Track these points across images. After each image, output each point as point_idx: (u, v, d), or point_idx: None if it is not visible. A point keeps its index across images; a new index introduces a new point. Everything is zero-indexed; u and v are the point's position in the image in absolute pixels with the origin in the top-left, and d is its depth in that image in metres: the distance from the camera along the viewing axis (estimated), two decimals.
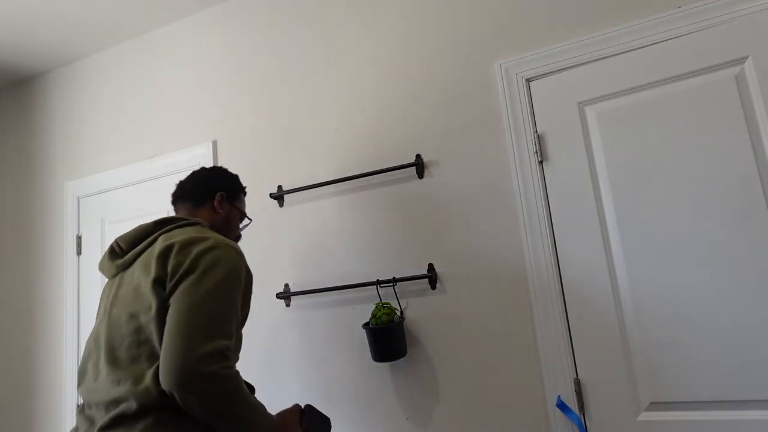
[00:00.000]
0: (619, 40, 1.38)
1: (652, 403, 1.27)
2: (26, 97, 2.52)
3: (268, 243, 1.81)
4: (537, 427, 1.38)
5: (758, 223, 1.21)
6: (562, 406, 1.33)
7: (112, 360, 0.96)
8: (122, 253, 1.09)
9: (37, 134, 2.45)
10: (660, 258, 1.30)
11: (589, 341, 1.35)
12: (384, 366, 1.58)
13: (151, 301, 0.94)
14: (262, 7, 1.96)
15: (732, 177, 1.25)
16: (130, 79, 2.23)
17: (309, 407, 1.10)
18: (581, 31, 1.45)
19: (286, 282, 1.76)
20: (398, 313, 1.53)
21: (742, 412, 1.20)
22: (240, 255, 1.03)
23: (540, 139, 1.46)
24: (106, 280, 2.14)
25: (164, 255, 0.97)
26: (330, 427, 1.12)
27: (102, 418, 0.92)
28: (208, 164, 1.96)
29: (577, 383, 1.34)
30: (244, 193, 1.35)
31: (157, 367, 0.90)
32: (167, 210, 2.01)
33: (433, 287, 1.54)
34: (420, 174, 1.60)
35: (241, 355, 1.76)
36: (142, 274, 0.99)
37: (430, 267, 1.54)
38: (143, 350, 0.94)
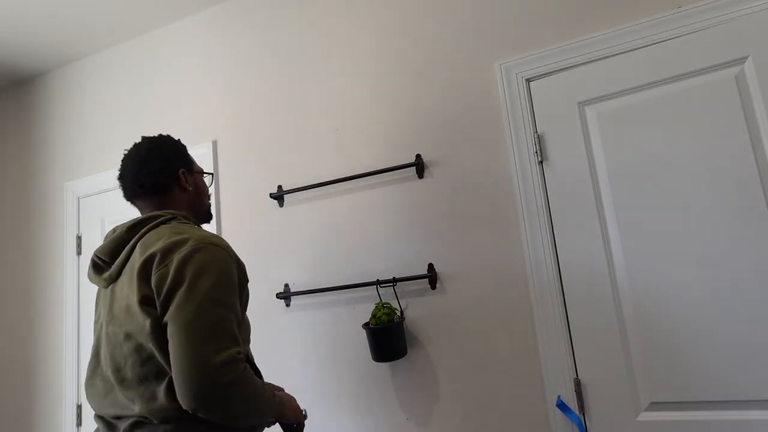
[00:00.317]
0: (619, 40, 1.38)
1: (652, 403, 1.27)
2: (26, 97, 2.52)
3: (268, 243, 1.81)
4: (537, 427, 1.38)
5: (758, 223, 1.21)
6: (562, 406, 1.33)
7: (120, 380, 0.94)
8: (106, 266, 1.04)
9: (37, 134, 2.45)
10: (660, 258, 1.30)
11: (589, 341, 1.35)
12: (384, 366, 1.58)
13: (143, 321, 0.91)
14: (262, 8, 1.96)
15: (732, 177, 1.24)
16: (130, 79, 2.23)
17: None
18: (581, 31, 1.45)
19: (286, 282, 1.76)
20: (398, 313, 1.53)
21: (742, 412, 1.20)
22: (224, 250, 0.97)
23: (540, 139, 1.46)
24: None
25: (145, 269, 0.92)
26: None
27: (123, 425, 0.94)
28: (209, 164, 1.95)
29: (577, 383, 1.34)
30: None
31: (168, 383, 0.90)
32: None
33: (433, 287, 1.54)
34: (420, 174, 1.60)
35: None
36: (129, 291, 0.95)
37: (430, 267, 1.54)
38: (149, 369, 0.92)
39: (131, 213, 2.11)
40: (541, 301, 1.40)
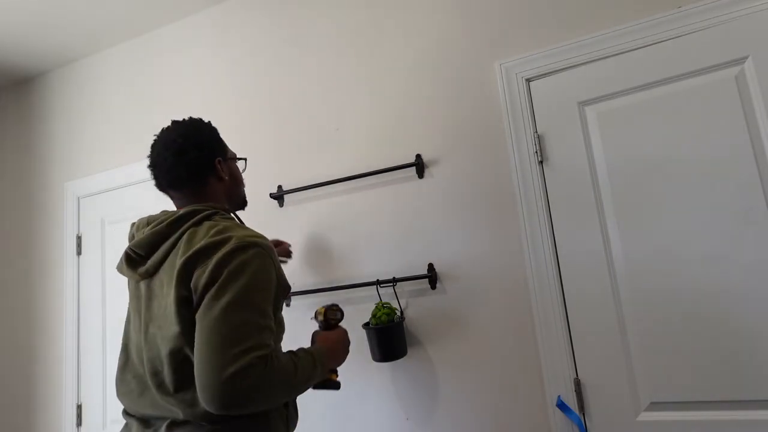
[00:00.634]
0: (619, 40, 1.38)
1: (652, 403, 1.27)
2: (26, 97, 2.52)
3: None
4: (537, 427, 1.38)
5: (758, 223, 1.21)
6: (562, 406, 1.33)
7: (158, 384, 0.93)
8: (141, 260, 1.00)
9: (37, 134, 2.45)
10: (660, 258, 1.30)
11: (589, 341, 1.35)
12: (384, 366, 1.58)
13: (179, 324, 0.90)
14: (262, 9, 1.96)
15: (732, 177, 1.24)
16: (130, 79, 2.23)
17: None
18: (581, 31, 1.45)
19: None
20: (398, 313, 1.53)
21: (742, 412, 1.20)
22: (266, 253, 0.94)
23: (540, 139, 1.46)
24: (113, 277, 2.14)
25: (186, 268, 0.91)
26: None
27: (162, 423, 0.93)
28: None
29: (577, 383, 1.34)
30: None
31: None
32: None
33: (433, 287, 1.54)
34: (420, 174, 1.60)
35: None
36: (168, 290, 0.93)
37: (430, 267, 1.54)
38: (187, 374, 0.90)
39: (131, 213, 2.11)
40: (541, 301, 1.40)
